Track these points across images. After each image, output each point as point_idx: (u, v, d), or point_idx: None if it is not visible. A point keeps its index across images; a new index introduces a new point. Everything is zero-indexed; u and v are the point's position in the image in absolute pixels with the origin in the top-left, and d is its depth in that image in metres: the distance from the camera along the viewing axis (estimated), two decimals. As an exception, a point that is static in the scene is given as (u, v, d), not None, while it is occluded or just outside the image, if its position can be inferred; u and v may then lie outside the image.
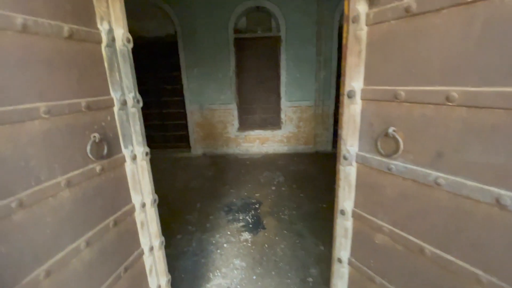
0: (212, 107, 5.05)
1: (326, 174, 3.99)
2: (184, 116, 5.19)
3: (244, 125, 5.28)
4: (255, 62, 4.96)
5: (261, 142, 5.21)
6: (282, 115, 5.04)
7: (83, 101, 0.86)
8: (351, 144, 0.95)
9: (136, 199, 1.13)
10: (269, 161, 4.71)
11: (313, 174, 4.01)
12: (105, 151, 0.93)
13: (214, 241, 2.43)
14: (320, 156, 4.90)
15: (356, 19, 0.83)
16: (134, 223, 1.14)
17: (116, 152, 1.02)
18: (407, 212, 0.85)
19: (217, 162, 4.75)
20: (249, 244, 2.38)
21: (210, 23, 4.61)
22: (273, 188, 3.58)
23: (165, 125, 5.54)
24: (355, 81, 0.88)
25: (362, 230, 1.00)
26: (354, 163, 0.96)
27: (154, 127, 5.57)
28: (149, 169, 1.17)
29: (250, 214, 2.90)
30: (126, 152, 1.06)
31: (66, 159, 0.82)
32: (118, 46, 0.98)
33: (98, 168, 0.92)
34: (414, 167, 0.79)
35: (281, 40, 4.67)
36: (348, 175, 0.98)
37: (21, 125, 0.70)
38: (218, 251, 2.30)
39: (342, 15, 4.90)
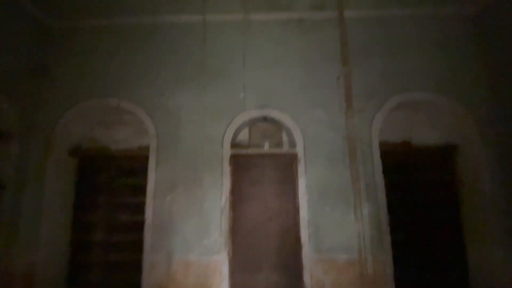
0: (188, 258, 3.02)
1: None
2: (138, 267, 3.06)
3: (240, 293, 3.08)
4: (260, 188, 3.36)
5: (269, 330, 2.85)
6: (306, 276, 2.94)
7: None
8: None
9: None
10: None
11: None
12: None
13: None
14: None
15: None
16: None
17: None
18: None
19: None
20: None
21: (198, 134, 3.34)
22: None
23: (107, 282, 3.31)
24: None
25: None
26: None
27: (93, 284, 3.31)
28: None
29: None
30: None
31: None
32: None
33: None
34: None
35: (297, 159, 3.27)
36: None
37: None
38: None
39: (381, 129, 3.80)
